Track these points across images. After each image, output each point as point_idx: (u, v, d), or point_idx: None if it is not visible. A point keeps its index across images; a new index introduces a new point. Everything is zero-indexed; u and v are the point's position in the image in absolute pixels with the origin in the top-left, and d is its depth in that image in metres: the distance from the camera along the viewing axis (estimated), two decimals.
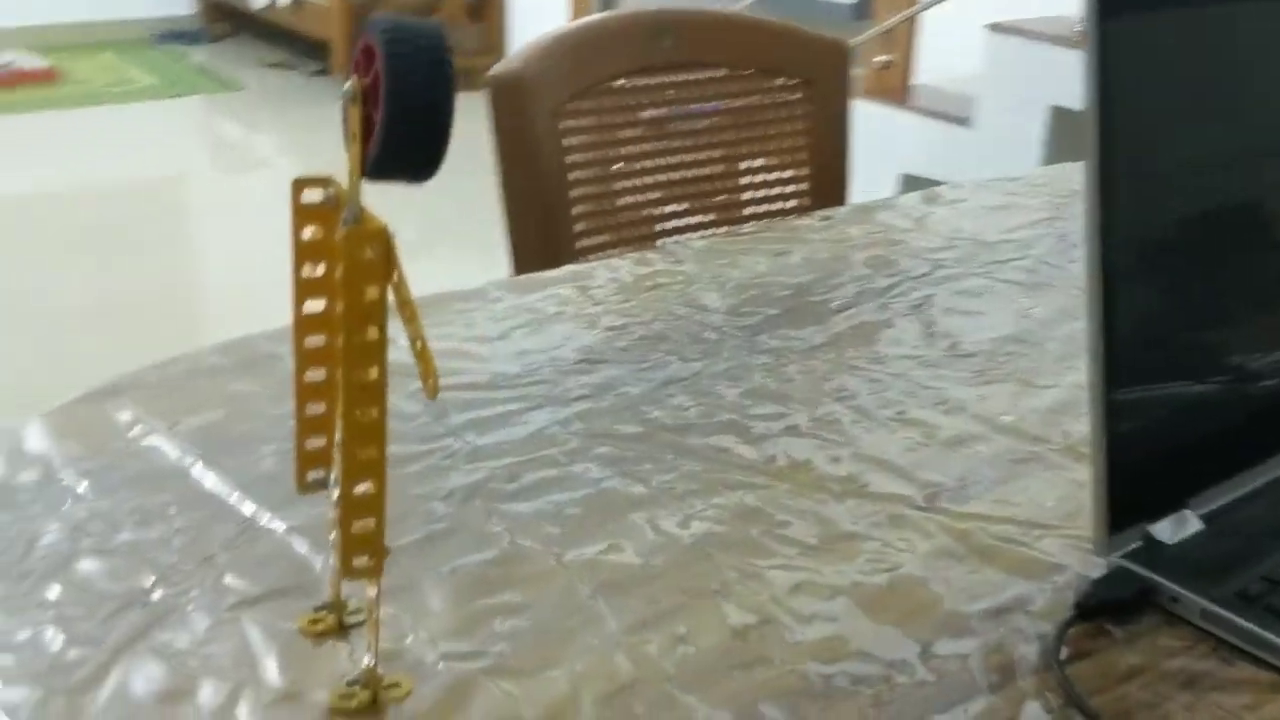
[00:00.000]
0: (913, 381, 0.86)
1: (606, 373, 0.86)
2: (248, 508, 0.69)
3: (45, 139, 4.02)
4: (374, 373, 0.49)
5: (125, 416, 0.78)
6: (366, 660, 0.55)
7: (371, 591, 0.55)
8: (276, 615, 0.60)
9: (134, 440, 0.75)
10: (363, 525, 0.51)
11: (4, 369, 2.54)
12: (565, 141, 1.35)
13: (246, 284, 2.97)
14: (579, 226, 1.37)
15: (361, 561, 0.52)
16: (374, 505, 0.51)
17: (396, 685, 0.55)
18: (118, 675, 0.56)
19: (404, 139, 0.48)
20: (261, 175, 3.96)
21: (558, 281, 1.01)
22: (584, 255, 1.38)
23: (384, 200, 0.50)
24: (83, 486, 0.70)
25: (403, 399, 0.81)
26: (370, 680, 0.55)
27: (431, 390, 0.47)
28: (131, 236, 3.30)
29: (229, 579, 0.63)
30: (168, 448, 0.75)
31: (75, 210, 3.45)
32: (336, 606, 0.60)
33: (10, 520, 0.67)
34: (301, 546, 0.66)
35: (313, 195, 0.54)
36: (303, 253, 0.55)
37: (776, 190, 1.47)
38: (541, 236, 1.35)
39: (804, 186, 1.52)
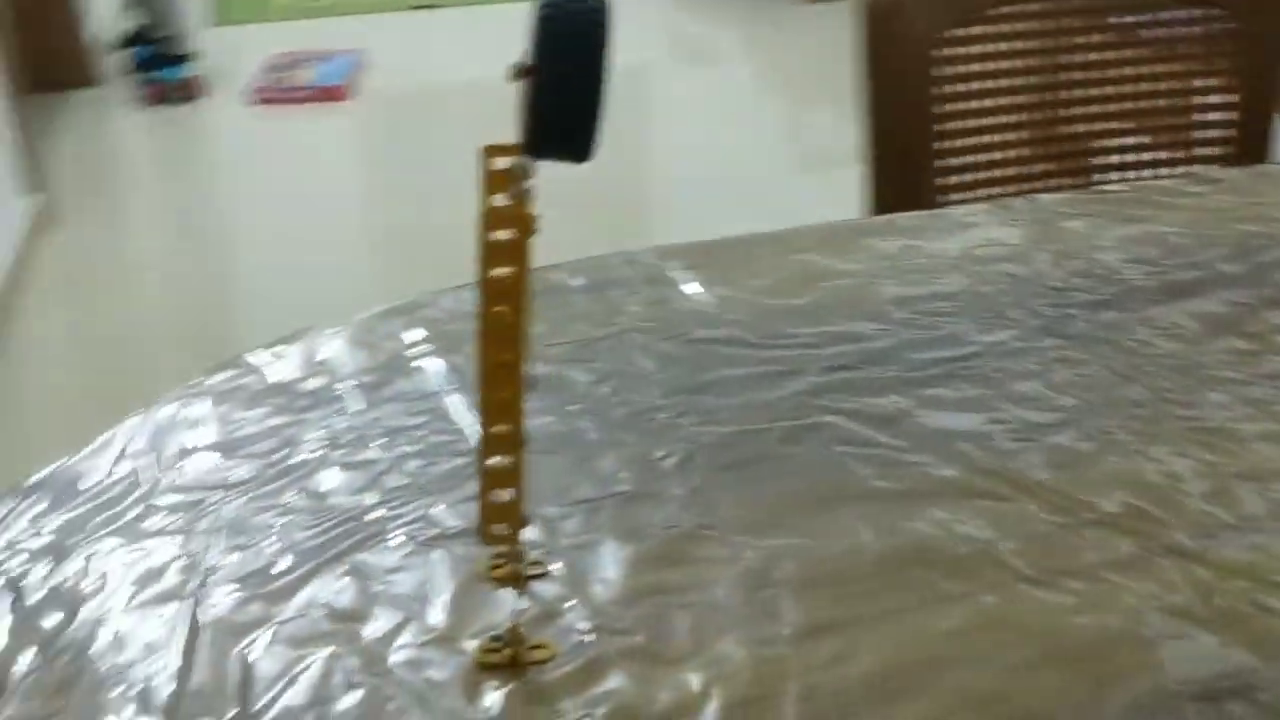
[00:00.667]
0: (1235, 394, 0.74)
1: (880, 343, 0.81)
2: None
3: (510, 27, 4.30)
4: (506, 352, 0.49)
5: (414, 336, 0.83)
6: (511, 619, 0.56)
7: (522, 556, 0.56)
8: (466, 554, 0.63)
9: (410, 360, 0.81)
10: (500, 496, 0.52)
11: (436, 251, 2.79)
12: (937, 72, 1.27)
13: (698, 178, 3.06)
14: (942, 163, 1.30)
15: (500, 529, 0.53)
16: (511, 478, 0.52)
17: (542, 648, 0.57)
18: (311, 590, 0.61)
19: (549, 121, 0.47)
20: (717, 73, 4.04)
21: (870, 233, 0.96)
22: (945, 199, 1.30)
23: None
24: (353, 399, 0.77)
25: (665, 340, 0.81)
26: (514, 639, 0.56)
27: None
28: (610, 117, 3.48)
29: (437, 510, 0.66)
30: (437, 371, 0.79)
31: None
32: (516, 555, 0.62)
33: (285, 423, 0.75)
34: None
35: (503, 162, 0.54)
36: (490, 219, 0.55)
37: (1182, 136, 1.31)
38: (901, 176, 1.28)
39: (1227, 133, 1.35)
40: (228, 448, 0.72)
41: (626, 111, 3.68)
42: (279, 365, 0.80)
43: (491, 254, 0.48)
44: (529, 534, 0.63)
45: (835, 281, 0.89)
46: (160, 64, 3.39)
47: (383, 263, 2.74)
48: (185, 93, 3.40)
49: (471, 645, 0.57)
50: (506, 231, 0.48)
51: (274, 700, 0.54)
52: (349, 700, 0.54)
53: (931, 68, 1.27)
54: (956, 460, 0.69)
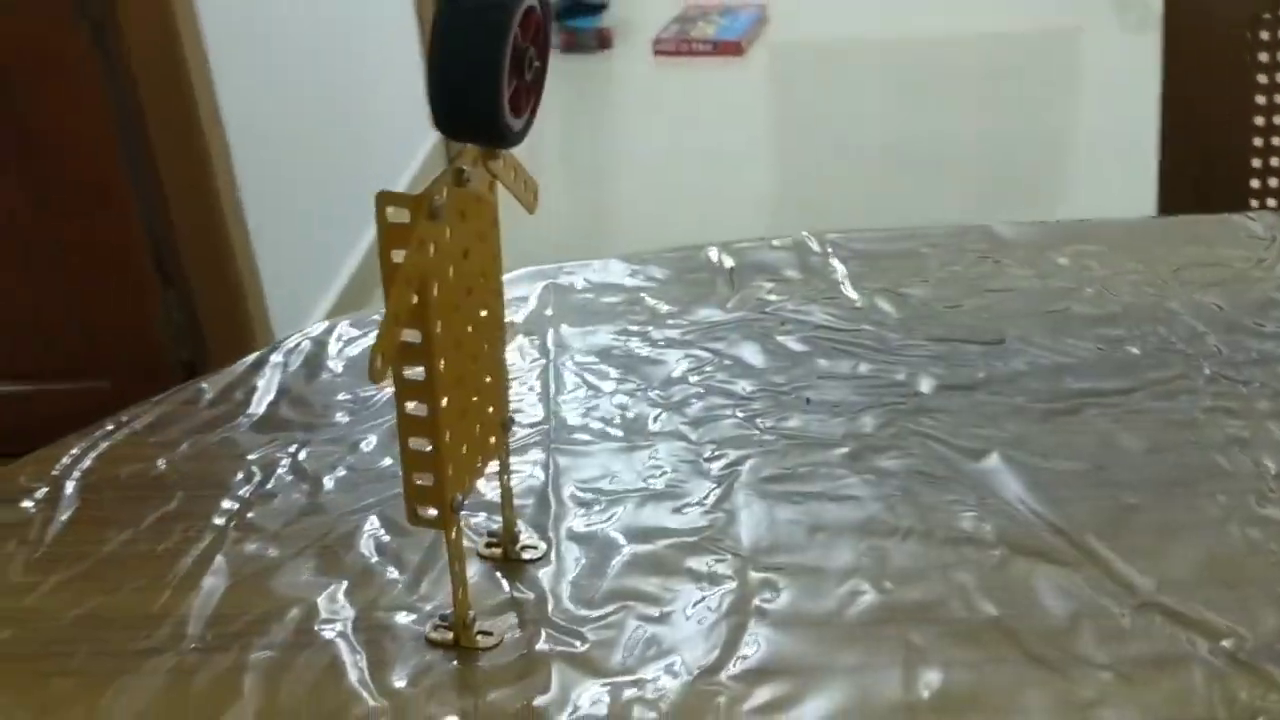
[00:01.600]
0: None
1: (1017, 364, 0.72)
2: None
3: None
4: (414, 334, 0.48)
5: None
6: (450, 605, 0.56)
7: (447, 542, 0.54)
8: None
9: (661, 305, 0.81)
10: (424, 479, 0.51)
11: (838, 201, 2.76)
12: (1262, 56, 1.10)
13: (1118, 149, 2.85)
14: (1260, 163, 1.12)
15: (427, 513, 0.52)
16: (432, 462, 0.51)
17: (488, 635, 0.56)
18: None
19: (434, 99, 0.45)
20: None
21: (1077, 238, 0.85)
22: (1259, 201, 1.13)
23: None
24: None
25: (789, 334, 0.76)
26: (457, 622, 0.56)
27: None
28: (1010, 84, 3.32)
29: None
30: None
31: (964, 54, 3.53)
32: (506, 538, 0.61)
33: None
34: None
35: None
36: (384, 199, 0.53)
37: None
38: (1202, 168, 1.13)
39: None
40: None
41: (1055, 76, 3.47)
42: None
43: (389, 236, 0.47)
44: (537, 517, 0.63)
45: (1013, 290, 0.80)
46: (576, 13, 3.57)
47: (758, 214, 2.76)
48: (595, 42, 3.56)
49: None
50: (403, 213, 0.46)
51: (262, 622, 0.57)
52: (315, 653, 0.55)
53: (1256, 49, 1.10)
54: (1025, 513, 0.60)
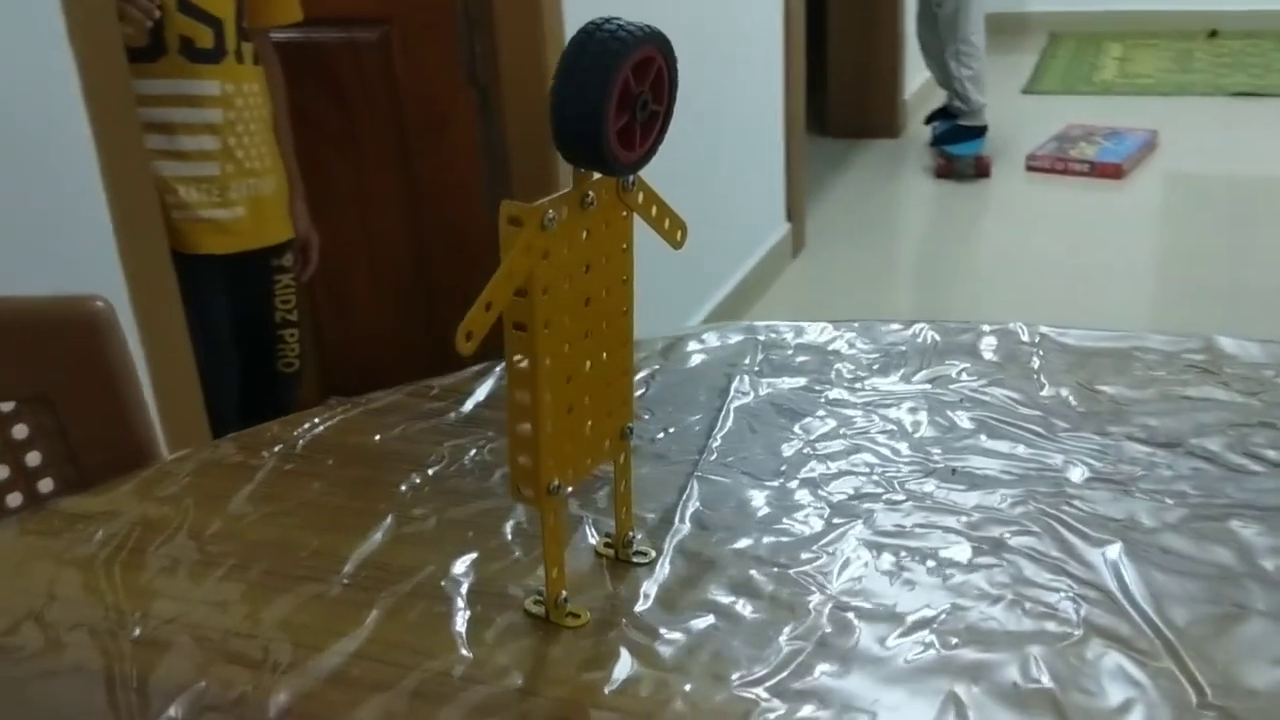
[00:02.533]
0: None
1: (1178, 467, 0.70)
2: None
3: None
4: (524, 329, 0.56)
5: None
6: (544, 585, 0.62)
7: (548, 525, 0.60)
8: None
9: (847, 369, 0.86)
10: (524, 460, 0.58)
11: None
12: None
13: None
14: None
15: (526, 492, 0.59)
16: (530, 445, 0.58)
17: (576, 616, 0.62)
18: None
19: (558, 130, 0.53)
20: None
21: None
22: None
23: None
24: (750, 381, 0.85)
25: (964, 409, 0.78)
26: (549, 601, 0.62)
27: None
28: None
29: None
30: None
31: None
32: (618, 540, 0.66)
33: None
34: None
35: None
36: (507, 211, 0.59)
37: None
38: None
39: None
40: None
41: None
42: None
43: (507, 241, 0.54)
44: (658, 529, 0.68)
45: (1210, 400, 0.77)
46: (955, 138, 3.51)
47: None
48: (972, 170, 3.45)
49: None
50: (517, 224, 0.54)
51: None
52: (431, 603, 0.64)
53: None
54: (1124, 602, 0.59)
